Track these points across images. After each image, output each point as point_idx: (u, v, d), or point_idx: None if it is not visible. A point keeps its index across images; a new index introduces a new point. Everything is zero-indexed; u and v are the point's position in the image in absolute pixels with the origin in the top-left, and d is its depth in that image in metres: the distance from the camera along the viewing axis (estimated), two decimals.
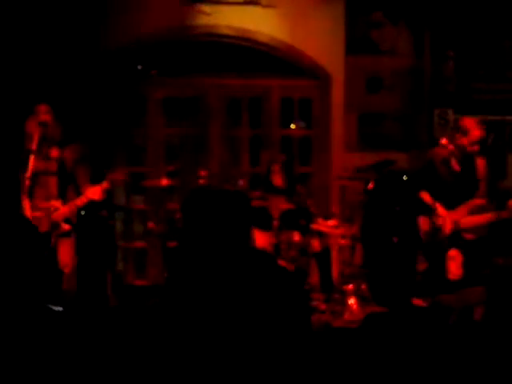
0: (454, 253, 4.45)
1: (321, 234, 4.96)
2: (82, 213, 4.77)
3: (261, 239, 4.75)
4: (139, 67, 6.21)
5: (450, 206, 4.50)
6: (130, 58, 6.05)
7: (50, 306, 2.16)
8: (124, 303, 4.76)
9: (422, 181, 4.54)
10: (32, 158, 4.28)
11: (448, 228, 4.45)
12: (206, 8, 5.79)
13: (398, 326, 3.63)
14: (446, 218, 4.44)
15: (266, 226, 4.81)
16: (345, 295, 4.80)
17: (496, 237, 4.82)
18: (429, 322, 3.65)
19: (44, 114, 4.39)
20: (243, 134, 6.26)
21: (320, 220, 4.92)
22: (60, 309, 2.16)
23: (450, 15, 6.08)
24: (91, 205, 4.68)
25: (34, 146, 4.30)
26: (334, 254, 4.88)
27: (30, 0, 5.49)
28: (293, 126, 6.19)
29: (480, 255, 4.61)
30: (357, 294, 4.86)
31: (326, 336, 4.16)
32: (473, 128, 4.52)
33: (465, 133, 4.53)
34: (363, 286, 5.00)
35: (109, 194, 5.05)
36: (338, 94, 6.03)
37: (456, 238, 4.47)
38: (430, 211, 4.45)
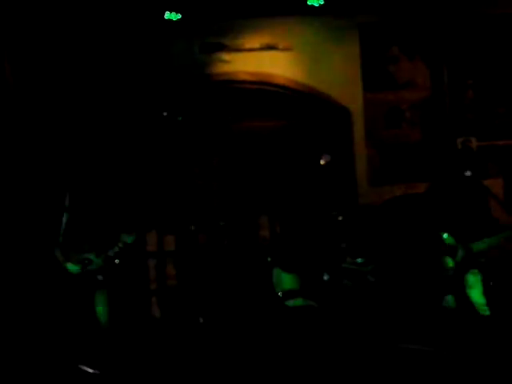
0: (472, 280, 4.43)
1: (351, 272, 4.95)
2: (117, 261, 4.89)
3: (289, 280, 4.78)
4: (165, 114, 6.43)
5: (460, 232, 4.49)
6: (155, 106, 6.26)
7: (84, 368, 2.22)
8: (161, 350, 4.81)
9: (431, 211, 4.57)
10: (65, 214, 4.45)
11: (460, 255, 4.44)
12: (225, 56, 5.98)
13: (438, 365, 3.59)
14: (457, 246, 4.43)
15: (293, 268, 4.84)
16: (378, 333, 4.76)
17: None
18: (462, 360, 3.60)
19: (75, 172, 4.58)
20: (269, 174, 6.36)
21: (349, 258, 4.92)
22: (95, 371, 2.22)
23: (466, 44, 6.12)
24: (124, 253, 4.80)
25: (67, 202, 4.47)
26: (366, 292, 4.85)
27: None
28: (322, 162, 6.25)
29: (502, 279, 4.57)
30: (390, 330, 4.82)
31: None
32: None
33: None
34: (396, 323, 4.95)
35: (141, 240, 5.19)
36: (358, 130, 6.11)
37: (472, 264, 4.44)
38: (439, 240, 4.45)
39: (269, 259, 4.90)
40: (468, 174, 4.50)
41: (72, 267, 4.48)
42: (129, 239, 4.56)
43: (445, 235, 4.46)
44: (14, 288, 4.98)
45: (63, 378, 2.10)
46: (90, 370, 2.19)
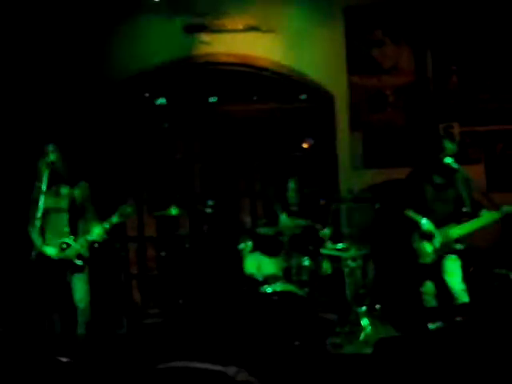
0: (450, 266, 4.46)
1: (331, 257, 4.96)
2: (96, 245, 4.83)
3: (270, 265, 4.76)
4: (146, 95, 6.35)
5: (437, 219, 4.51)
6: (135, 88, 6.17)
7: (59, 358, 2.18)
8: (139, 337, 4.80)
9: (408, 197, 4.58)
10: (42, 197, 4.37)
11: (438, 240, 4.46)
12: (206, 37, 5.88)
13: (412, 350, 3.60)
14: (435, 232, 4.45)
15: (274, 252, 4.83)
16: (358, 317, 4.79)
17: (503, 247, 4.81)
18: (442, 345, 3.61)
19: (52, 153, 4.48)
20: (251, 158, 6.33)
21: (329, 243, 4.92)
22: (67, 360, 2.18)
23: (450, 30, 6.09)
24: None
25: (43, 186, 4.38)
26: (345, 277, 4.86)
27: (31, 39, 5.61)
28: (305, 146, 6.23)
29: (483, 266, 4.61)
30: (371, 315, 4.85)
31: (339, 361, 4.16)
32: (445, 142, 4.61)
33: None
34: (377, 307, 4.99)
35: (121, 225, 5.12)
36: (342, 114, 6.04)
37: (450, 250, 4.47)
38: (418, 228, 4.47)
39: (250, 243, 4.87)
40: (448, 160, 4.50)
41: (50, 250, 4.43)
42: (106, 225, 4.48)
43: (423, 221, 4.48)
44: None
45: (35, 368, 2.06)
46: (64, 359, 2.15)
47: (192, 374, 1.66)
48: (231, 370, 1.64)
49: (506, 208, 4.41)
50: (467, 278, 4.58)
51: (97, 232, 4.44)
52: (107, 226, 4.46)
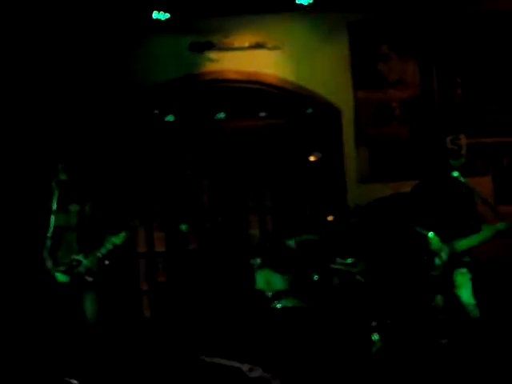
0: (460, 280, 4.44)
1: (340, 272, 4.96)
2: (106, 262, 4.87)
3: (279, 281, 4.78)
4: (155, 112, 6.42)
5: (445, 231, 4.51)
6: (145, 105, 6.24)
7: (69, 380, 2.20)
8: (149, 355, 4.80)
9: (414, 210, 4.58)
10: (53, 216, 4.42)
11: (445, 253, 4.45)
12: (214, 55, 5.96)
13: (421, 364, 3.61)
14: (442, 245, 4.44)
15: (283, 268, 4.85)
16: (369, 332, 4.78)
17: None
18: (452, 360, 3.62)
19: (62, 172, 4.54)
20: (259, 173, 6.37)
21: (338, 259, 4.93)
22: (77, 382, 2.20)
23: (455, 43, 6.13)
24: (114, 254, 4.78)
25: (54, 205, 4.44)
26: (355, 291, 4.86)
27: (42, 57, 5.72)
28: (313, 158, 6.27)
29: (493, 279, 4.58)
30: (381, 330, 4.84)
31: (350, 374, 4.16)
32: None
33: None
34: (387, 323, 4.97)
35: (131, 241, 5.17)
36: (348, 128, 6.10)
37: (458, 262, 4.45)
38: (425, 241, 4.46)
39: (258, 260, 4.89)
40: (454, 174, 4.50)
41: (61, 277, 4.46)
42: (117, 240, 4.54)
43: (430, 234, 4.48)
44: None
45: None
46: (75, 382, 2.16)
47: (208, 368, 1.70)
48: (245, 367, 1.67)
49: (499, 225, 4.40)
50: (476, 291, 4.56)
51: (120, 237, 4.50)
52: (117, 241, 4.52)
